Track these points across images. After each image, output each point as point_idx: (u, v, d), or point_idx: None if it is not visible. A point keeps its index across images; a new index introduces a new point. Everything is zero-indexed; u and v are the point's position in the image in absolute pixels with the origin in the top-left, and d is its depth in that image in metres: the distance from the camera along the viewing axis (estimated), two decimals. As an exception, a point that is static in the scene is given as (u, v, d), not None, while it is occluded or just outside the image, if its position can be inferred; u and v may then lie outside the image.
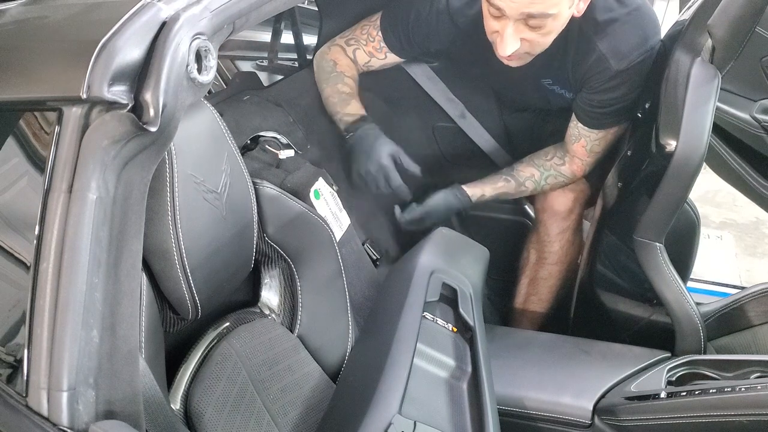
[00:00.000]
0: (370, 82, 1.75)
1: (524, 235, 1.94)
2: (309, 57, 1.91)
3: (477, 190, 1.63)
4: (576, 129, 1.52)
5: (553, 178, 1.60)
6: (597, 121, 1.48)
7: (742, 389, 1.10)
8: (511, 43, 1.28)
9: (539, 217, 1.71)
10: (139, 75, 0.69)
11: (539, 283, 1.75)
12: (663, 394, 1.18)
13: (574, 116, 1.53)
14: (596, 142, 1.52)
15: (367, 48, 1.60)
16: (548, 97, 1.59)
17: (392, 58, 1.61)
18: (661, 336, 1.43)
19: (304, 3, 1.97)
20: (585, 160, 1.55)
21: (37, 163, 0.75)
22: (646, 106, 1.47)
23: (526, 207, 2.01)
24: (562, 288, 1.75)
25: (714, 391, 1.14)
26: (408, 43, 1.55)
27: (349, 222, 1.53)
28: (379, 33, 1.57)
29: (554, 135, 1.67)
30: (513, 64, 1.38)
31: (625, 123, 1.52)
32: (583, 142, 1.52)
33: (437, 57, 1.63)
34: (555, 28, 1.29)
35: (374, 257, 1.65)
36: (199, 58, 0.72)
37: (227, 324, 1.08)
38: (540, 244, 1.72)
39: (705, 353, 1.38)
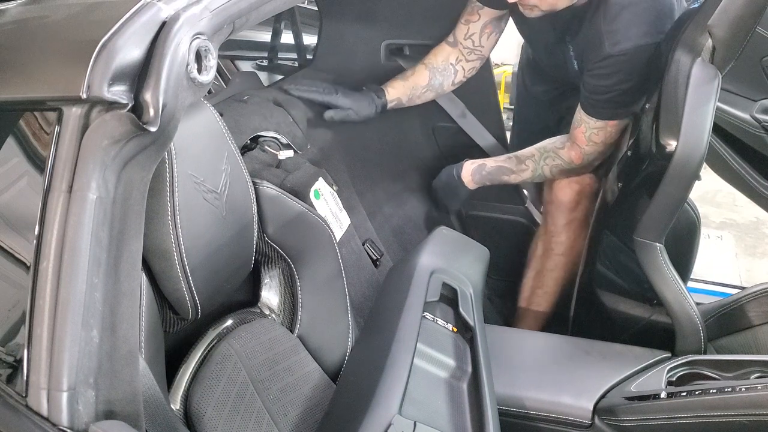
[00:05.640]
0: (370, 82, 1.74)
1: (524, 235, 1.94)
2: (309, 57, 1.91)
3: (478, 161, 1.73)
4: (579, 114, 1.55)
5: (552, 159, 1.63)
6: (594, 108, 1.51)
7: (743, 389, 1.10)
8: None
9: (546, 208, 1.74)
10: (139, 75, 0.69)
11: (546, 275, 1.76)
12: (663, 394, 1.18)
13: (579, 102, 1.56)
14: (594, 131, 1.54)
15: (462, 19, 1.66)
16: (566, 65, 1.60)
17: (486, 14, 1.64)
18: (661, 336, 1.42)
19: (304, 3, 1.97)
20: (583, 147, 1.58)
21: (37, 163, 0.75)
22: (647, 106, 1.47)
23: (527, 207, 2.01)
24: (567, 283, 1.76)
25: (714, 391, 1.14)
26: None
27: (349, 222, 1.53)
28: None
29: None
30: (526, 13, 1.43)
31: (623, 119, 1.53)
32: (583, 128, 1.55)
33: None
34: None
35: (374, 257, 1.65)
36: (199, 58, 0.72)
37: (227, 324, 1.08)
38: (547, 236, 1.74)
39: (705, 353, 1.38)
